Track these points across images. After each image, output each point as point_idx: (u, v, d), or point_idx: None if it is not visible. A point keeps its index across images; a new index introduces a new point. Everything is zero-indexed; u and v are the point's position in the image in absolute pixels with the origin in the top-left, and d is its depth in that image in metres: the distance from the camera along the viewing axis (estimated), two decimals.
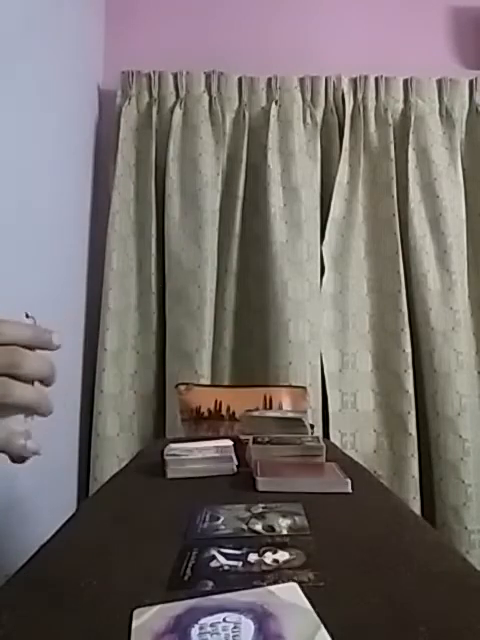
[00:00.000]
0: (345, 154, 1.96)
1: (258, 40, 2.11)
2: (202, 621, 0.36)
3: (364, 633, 0.36)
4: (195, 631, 0.35)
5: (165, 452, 0.89)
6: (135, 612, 0.37)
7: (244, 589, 0.42)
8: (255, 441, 0.93)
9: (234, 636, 0.34)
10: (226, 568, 0.47)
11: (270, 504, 0.65)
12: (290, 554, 0.50)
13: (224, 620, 0.36)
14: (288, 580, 0.44)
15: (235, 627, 0.35)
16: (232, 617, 0.36)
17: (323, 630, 0.34)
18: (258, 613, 0.37)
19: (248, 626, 0.35)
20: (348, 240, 1.94)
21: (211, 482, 0.81)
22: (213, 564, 0.48)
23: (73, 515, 0.68)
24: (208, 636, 0.34)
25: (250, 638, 0.34)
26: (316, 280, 1.90)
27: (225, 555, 0.50)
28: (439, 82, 2.02)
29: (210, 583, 0.44)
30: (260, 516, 0.61)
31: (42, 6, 1.47)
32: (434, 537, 0.58)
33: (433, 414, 1.81)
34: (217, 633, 0.34)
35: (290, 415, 1.25)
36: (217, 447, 0.92)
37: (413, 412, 1.81)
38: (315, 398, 1.79)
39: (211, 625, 0.35)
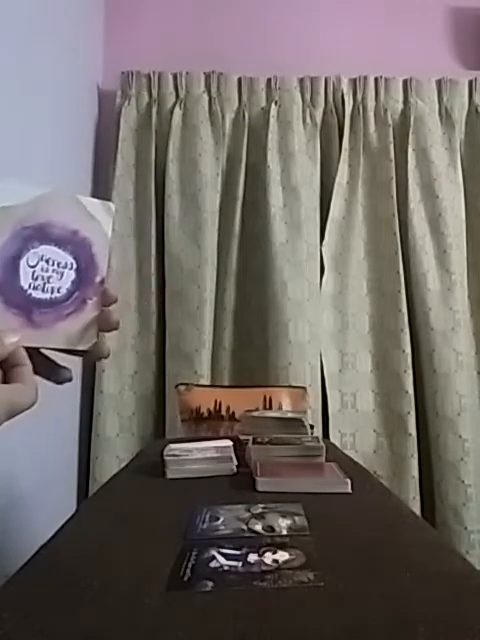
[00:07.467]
0: (345, 154, 1.96)
1: (258, 40, 2.11)
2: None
3: (364, 633, 0.36)
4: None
5: (165, 452, 0.89)
6: None
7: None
8: (255, 441, 0.93)
9: None
10: (226, 568, 0.47)
11: (270, 504, 0.65)
12: (290, 554, 0.50)
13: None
14: (288, 580, 0.44)
15: None
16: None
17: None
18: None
19: None
20: (348, 240, 1.94)
21: (211, 482, 0.81)
22: (213, 564, 0.48)
23: (73, 515, 0.68)
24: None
25: None
26: (316, 280, 1.90)
27: (225, 555, 0.50)
28: (439, 82, 2.02)
29: (210, 583, 0.44)
30: (260, 516, 0.61)
31: (42, 6, 1.47)
32: (434, 537, 0.58)
33: (433, 414, 1.81)
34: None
35: (290, 415, 1.25)
36: (217, 447, 0.92)
37: (413, 412, 1.81)
38: (315, 398, 1.78)
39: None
